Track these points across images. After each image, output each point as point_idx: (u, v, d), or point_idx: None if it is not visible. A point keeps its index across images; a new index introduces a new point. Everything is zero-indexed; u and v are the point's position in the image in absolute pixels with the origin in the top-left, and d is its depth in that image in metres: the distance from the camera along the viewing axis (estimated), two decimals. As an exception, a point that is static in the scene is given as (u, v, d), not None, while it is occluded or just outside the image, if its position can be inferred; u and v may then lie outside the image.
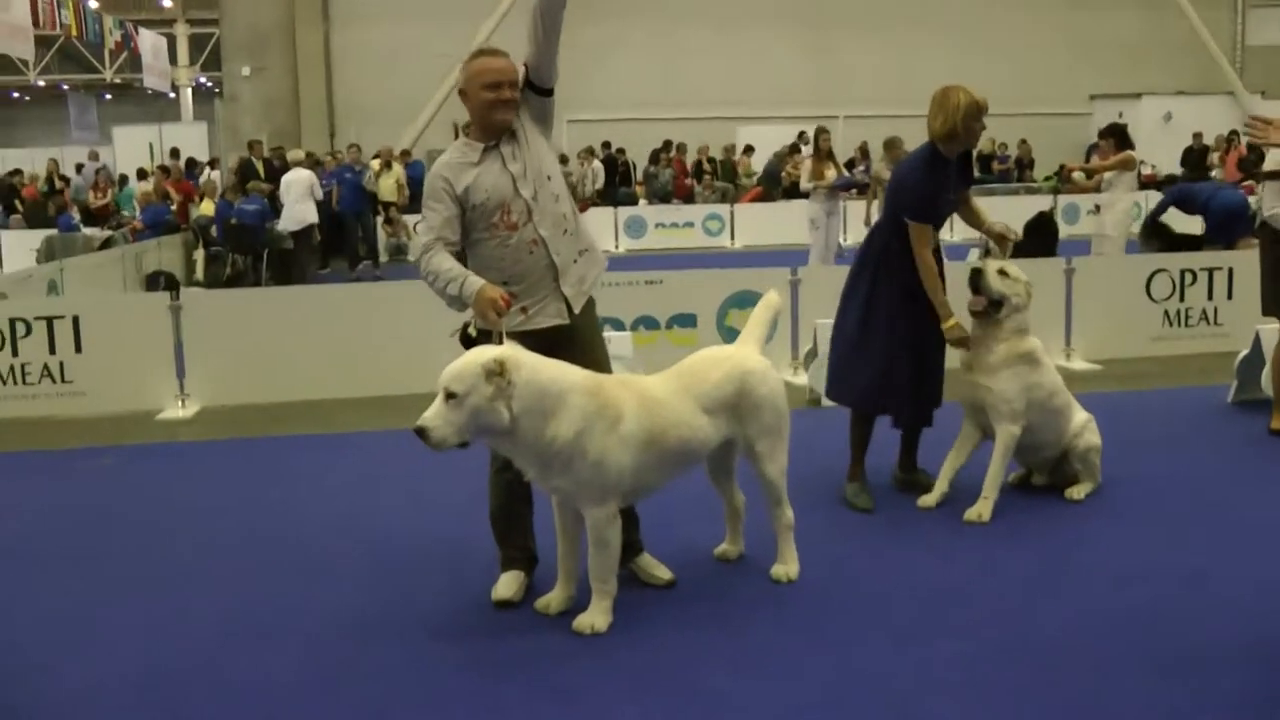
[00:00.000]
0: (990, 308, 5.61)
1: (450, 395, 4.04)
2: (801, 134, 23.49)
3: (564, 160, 24.05)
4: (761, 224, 21.46)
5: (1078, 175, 12.94)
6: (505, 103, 4.53)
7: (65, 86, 43.94)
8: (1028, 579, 4.80)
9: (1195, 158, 24.97)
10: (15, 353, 8.31)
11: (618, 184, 23.44)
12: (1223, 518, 5.50)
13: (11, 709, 3.94)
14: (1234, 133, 25.18)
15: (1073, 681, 3.86)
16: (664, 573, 4.82)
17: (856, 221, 17.03)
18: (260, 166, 18.89)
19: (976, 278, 5.61)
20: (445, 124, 26.63)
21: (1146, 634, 4.21)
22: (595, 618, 4.36)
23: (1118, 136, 11.76)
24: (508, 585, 4.68)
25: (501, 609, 4.59)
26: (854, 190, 15.41)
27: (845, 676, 3.95)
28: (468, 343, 4.37)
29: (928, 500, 5.76)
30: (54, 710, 3.93)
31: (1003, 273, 5.63)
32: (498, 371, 4.05)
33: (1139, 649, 4.09)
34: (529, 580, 4.77)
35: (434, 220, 4.54)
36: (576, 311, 4.64)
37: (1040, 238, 11.99)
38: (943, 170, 5.65)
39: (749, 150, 25.45)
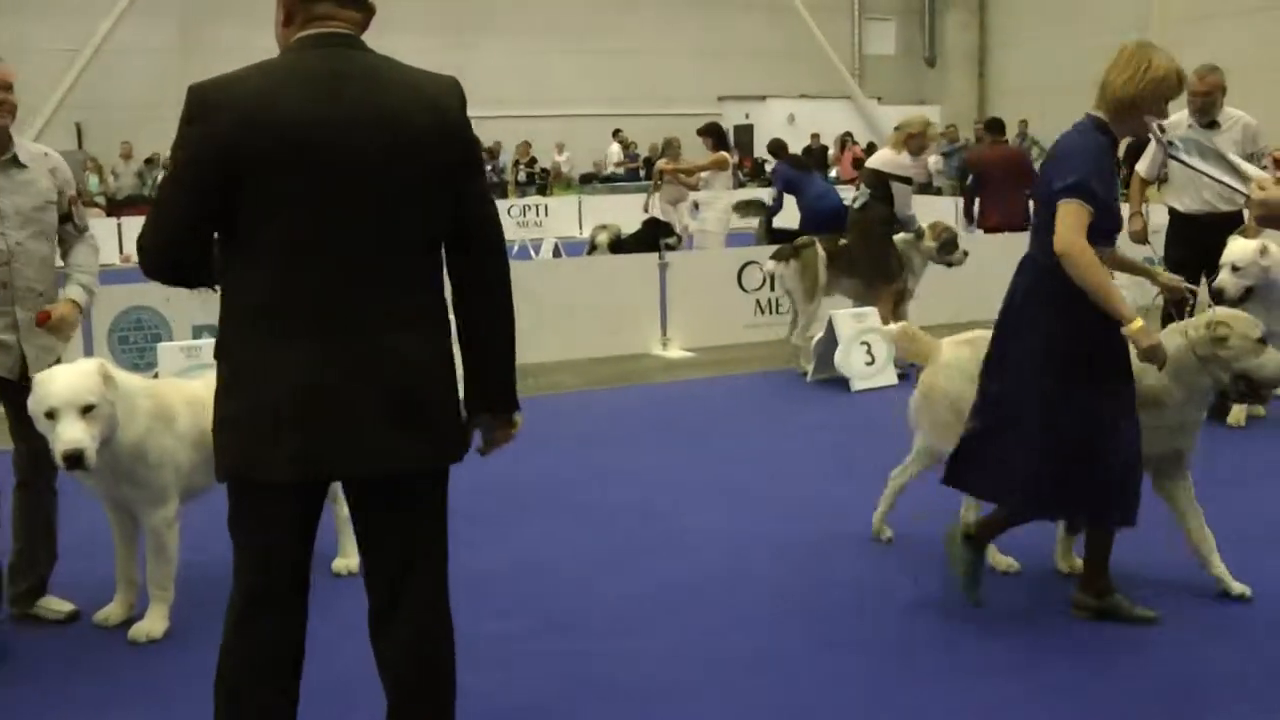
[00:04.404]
0: None
1: (88, 409, 3.95)
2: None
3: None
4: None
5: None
6: (6, 107, 4.23)
7: None
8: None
9: (816, 156, 26.86)
10: None
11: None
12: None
13: None
14: (848, 134, 27.32)
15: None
16: (66, 605, 4.62)
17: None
18: None
19: None
20: (66, 124, 25.12)
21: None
22: (152, 625, 4.39)
23: (715, 136, 12.08)
24: (62, 603, 4.59)
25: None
26: None
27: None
28: None
29: None
30: None
31: None
32: (110, 375, 4.06)
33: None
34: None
35: None
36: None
37: (651, 234, 12.43)
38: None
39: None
